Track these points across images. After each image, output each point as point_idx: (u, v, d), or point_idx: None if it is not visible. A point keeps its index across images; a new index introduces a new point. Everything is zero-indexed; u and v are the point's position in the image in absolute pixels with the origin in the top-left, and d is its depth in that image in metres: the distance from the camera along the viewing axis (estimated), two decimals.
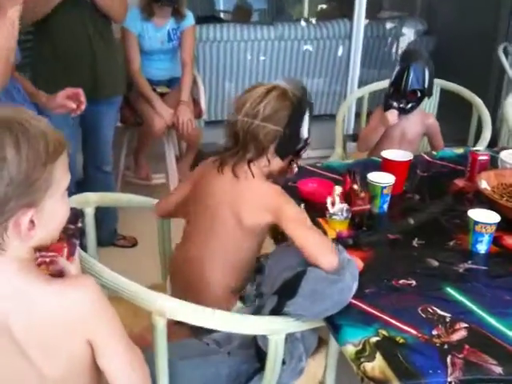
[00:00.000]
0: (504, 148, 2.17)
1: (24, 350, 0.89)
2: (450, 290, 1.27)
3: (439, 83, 2.66)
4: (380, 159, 1.84)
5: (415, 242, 1.48)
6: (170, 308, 1.12)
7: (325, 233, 1.46)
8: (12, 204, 0.83)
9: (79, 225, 1.15)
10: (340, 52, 4.27)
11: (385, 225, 1.59)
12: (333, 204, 1.51)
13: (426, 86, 2.25)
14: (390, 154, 1.78)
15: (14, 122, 0.83)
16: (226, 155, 1.38)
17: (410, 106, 2.22)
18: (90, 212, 1.51)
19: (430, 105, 2.71)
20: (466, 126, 2.60)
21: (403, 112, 2.23)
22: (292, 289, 1.19)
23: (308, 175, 1.81)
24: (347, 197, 1.55)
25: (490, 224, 1.40)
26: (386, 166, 1.75)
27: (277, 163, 1.40)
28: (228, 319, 1.18)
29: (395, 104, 2.22)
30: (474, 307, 1.21)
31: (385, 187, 1.60)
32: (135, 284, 1.16)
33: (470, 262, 1.40)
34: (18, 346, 0.89)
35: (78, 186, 2.71)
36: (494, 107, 3.78)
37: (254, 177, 1.34)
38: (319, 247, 1.23)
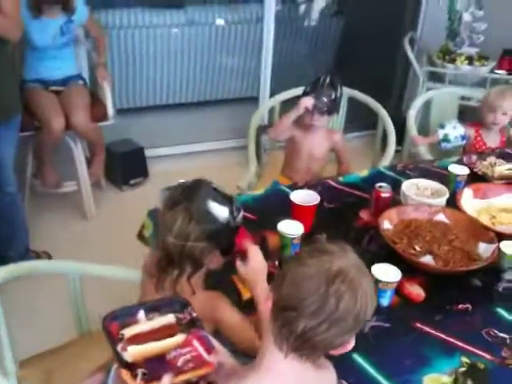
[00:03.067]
0: (406, 168, 2.27)
1: None
2: (356, 357, 1.34)
3: (347, 92, 2.72)
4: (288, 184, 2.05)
5: None
6: None
7: (239, 293, 1.49)
8: None
9: (194, 314, 1.10)
10: (252, 35, 4.23)
11: None
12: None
13: (338, 95, 2.32)
14: (298, 196, 1.82)
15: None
16: (161, 275, 1.31)
17: (324, 103, 2.29)
18: None
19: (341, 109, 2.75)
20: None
21: (318, 108, 2.29)
22: None
23: None
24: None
25: (392, 282, 1.48)
26: (295, 209, 1.79)
27: (216, 262, 1.36)
28: None
29: (312, 95, 2.29)
30: (379, 376, 1.30)
31: (294, 238, 1.65)
32: None
33: (374, 318, 1.46)
34: None
35: None
36: (400, 100, 3.91)
37: (194, 293, 1.29)
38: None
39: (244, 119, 3.86)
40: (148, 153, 3.65)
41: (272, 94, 3.89)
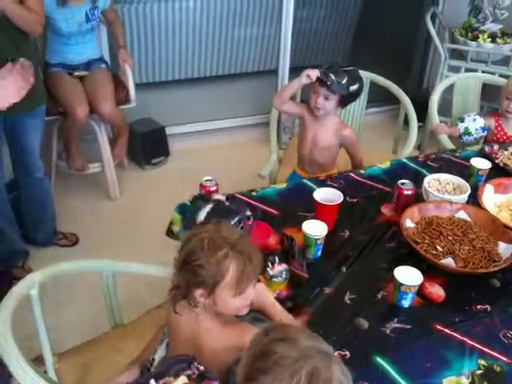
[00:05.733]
0: (428, 159, 2.29)
1: None
2: (379, 359, 1.41)
3: (369, 76, 2.71)
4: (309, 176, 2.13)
5: (347, 298, 1.59)
6: None
7: None
8: None
9: (201, 367, 1.18)
10: (271, 2, 4.24)
11: (320, 276, 1.67)
12: (272, 264, 1.60)
13: (352, 87, 2.26)
14: (321, 194, 1.86)
15: None
16: (175, 294, 1.35)
17: (330, 79, 2.20)
18: (34, 293, 1.52)
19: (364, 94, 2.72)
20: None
21: (321, 81, 2.22)
22: None
23: None
24: (285, 254, 1.65)
25: (414, 285, 1.54)
26: (318, 208, 1.84)
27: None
28: None
29: (321, 69, 2.24)
30: (400, 378, 1.36)
31: (318, 238, 1.70)
32: None
33: (396, 319, 1.53)
34: None
35: (9, 189, 2.68)
36: (420, 77, 3.86)
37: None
38: None
39: (263, 95, 3.88)
40: (167, 131, 3.69)
41: (291, 68, 3.88)
